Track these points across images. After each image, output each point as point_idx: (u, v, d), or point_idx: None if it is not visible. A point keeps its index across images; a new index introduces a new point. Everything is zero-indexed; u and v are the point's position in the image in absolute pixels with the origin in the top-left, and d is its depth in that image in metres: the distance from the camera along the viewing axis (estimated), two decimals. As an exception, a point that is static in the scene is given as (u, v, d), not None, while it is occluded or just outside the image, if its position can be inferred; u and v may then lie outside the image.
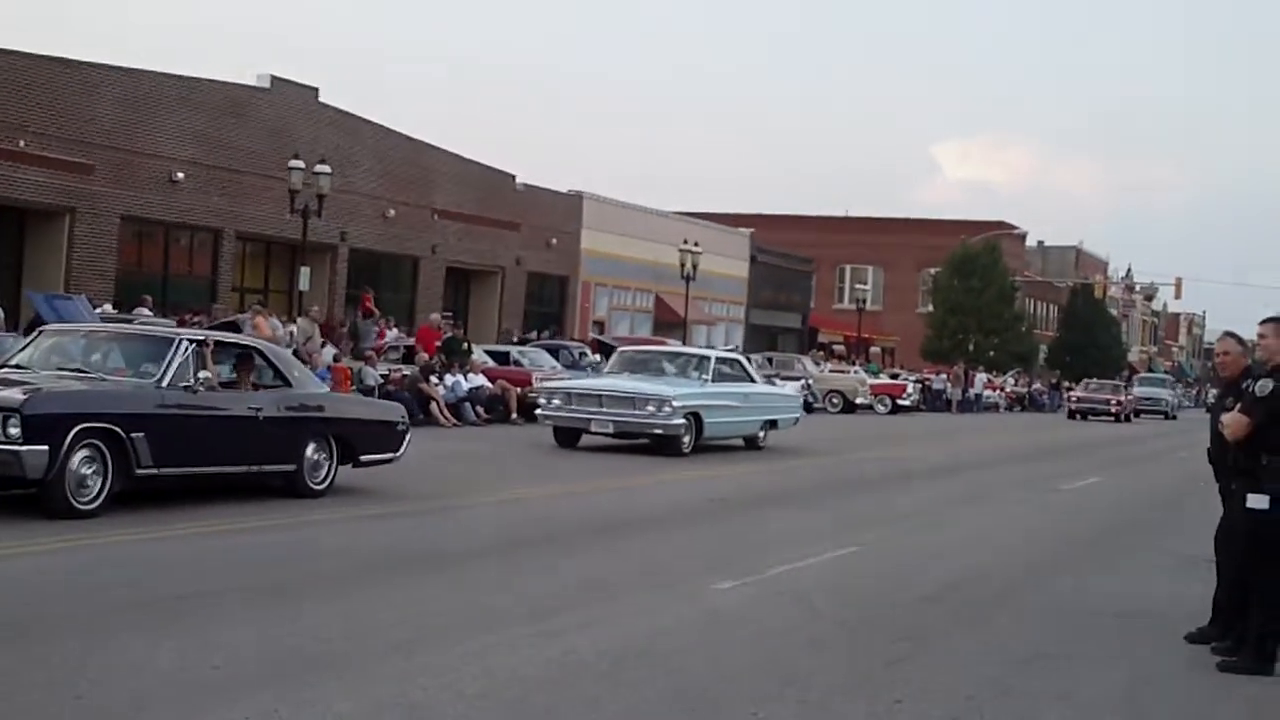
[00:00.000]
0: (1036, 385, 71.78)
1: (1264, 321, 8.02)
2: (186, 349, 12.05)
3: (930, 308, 67.73)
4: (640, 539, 12.34)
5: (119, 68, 30.08)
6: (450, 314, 35.50)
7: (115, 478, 11.08)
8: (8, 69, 27.40)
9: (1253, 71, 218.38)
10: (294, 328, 26.92)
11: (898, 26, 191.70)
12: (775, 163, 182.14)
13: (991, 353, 65.14)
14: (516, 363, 29.99)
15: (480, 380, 27.26)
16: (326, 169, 30.17)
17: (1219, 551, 8.54)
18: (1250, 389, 7.84)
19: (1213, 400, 10.30)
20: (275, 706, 6.03)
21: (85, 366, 12.21)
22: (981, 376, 61.53)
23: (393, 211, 37.34)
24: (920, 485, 19.41)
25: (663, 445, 20.80)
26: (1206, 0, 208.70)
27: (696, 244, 45.78)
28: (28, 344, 12.92)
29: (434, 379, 25.90)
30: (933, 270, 70.00)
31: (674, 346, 30.42)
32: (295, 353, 21.12)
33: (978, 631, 8.80)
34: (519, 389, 27.33)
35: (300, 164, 29.62)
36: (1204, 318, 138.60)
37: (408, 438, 14.53)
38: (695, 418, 21.12)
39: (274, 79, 34.05)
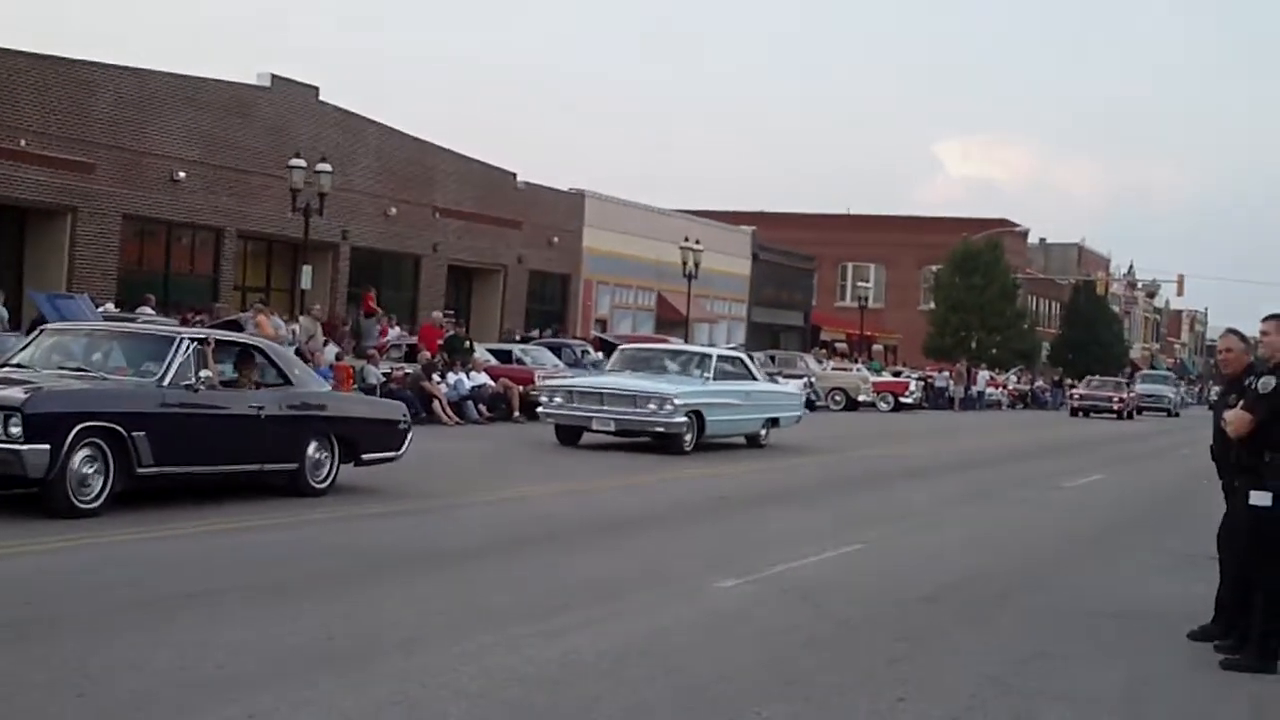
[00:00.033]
0: (1039, 383, 71.86)
1: (1266, 318, 8.01)
2: (188, 348, 12.03)
3: (932, 305, 67.67)
4: (642, 537, 12.33)
5: (120, 67, 30.08)
6: (452, 312, 35.50)
7: (116, 477, 11.06)
8: (9, 69, 27.40)
9: (1253, 71, 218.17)
10: (296, 326, 26.94)
11: (898, 26, 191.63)
12: (777, 161, 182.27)
13: (994, 350, 65.09)
14: (519, 361, 29.97)
15: (483, 379, 27.26)
16: (328, 168, 30.16)
17: (1222, 549, 8.52)
18: (1253, 386, 7.83)
19: (1215, 397, 10.29)
20: (276, 705, 6.02)
21: (86, 365, 12.20)
22: (984, 374, 61.55)
23: (394, 210, 37.34)
24: (923, 483, 19.39)
25: (664, 443, 20.79)
26: (1206, 0, 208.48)
27: (698, 242, 45.75)
28: (29, 343, 12.91)
29: (436, 377, 25.90)
30: (934, 268, 69.94)
31: (676, 344, 30.39)
32: (298, 351, 21.16)
33: (979, 630, 8.79)
34: (521, 387, 27.32)
35: (301, 163, 29.61)
36: (1206, 314, 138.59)
37: (409, 436, 14.52)
38: (697, 416, 21.11)
39: (275, 78, 34.05)
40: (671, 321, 47.52)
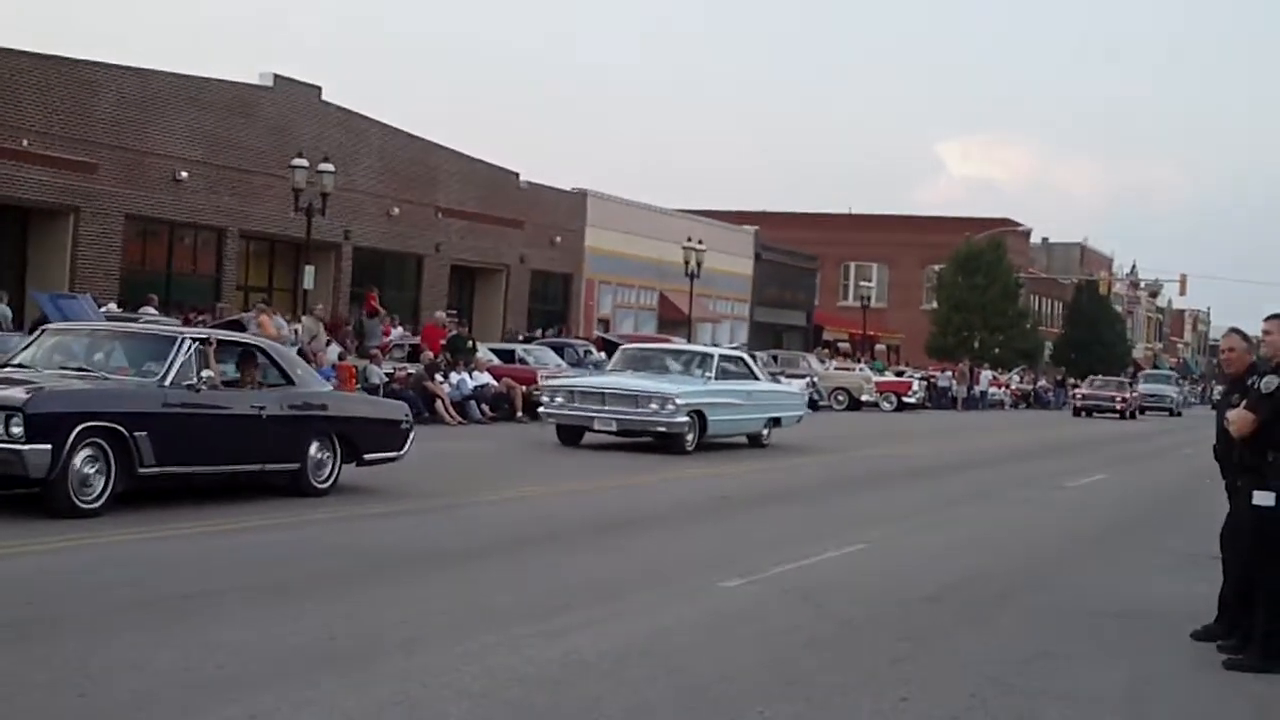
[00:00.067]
0: (1042, 382, 71.84)
1: (1269, 318, 8.00)
2: (189, 348, 12.03)
3: (935, 305, 67.66)
4: (643, 537, 12.31)
5: (122, 67, 30.11)
6: (455, 312, 35.52)
7: (118, 477, 11.06)
8: (11, 69, 27.42)
9: (1253, 71, 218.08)
10: (299, 326, 26.96)
11: (899, 26, 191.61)
12: (779, 161, 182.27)
13: (996, 350, 65.08)
14: (521, 360, 29.97)
15: (485, 378, 27.26)
16: (330, 167, 30.18)
17: (1225, 549, 8.51)
18: (1255, 385, 7.81)
19: (1218, 397, 10.28)
20: (278, 705, 6.02)
21: (88, 365, 12.19)
22: (986, 373, 61.55)
23: (397, 210, 37.35)
24: (925, 483, 19.37)
25: (666, 443, 20.78)
26: (1207, 0, 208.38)
27: (701, 242, 45.75)
28: (30, 343, 12.91)
29: (439, 377, 25.90)
30: (937, 267, 69.92)
31: (677, 344, 30.37)
32: (300, 351, 21.16)
33: (982, 630, 8.78)
34: (524, 387, 27.32)
35: (304, 162, 29.63)
36: (1209, 314, 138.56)
37: (411, 436, 14.51)
38: (698, 415, 21.09)
39: (277, 78, 34.08)
40: (674, 321, 47.52)
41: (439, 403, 25.05)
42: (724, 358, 23.90)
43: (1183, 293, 79.91)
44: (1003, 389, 62.41)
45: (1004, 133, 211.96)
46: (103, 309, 23.62)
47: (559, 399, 21.46)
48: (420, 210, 38.31)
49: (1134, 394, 58.42)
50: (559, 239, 44.33)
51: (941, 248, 68.40)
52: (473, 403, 26.27)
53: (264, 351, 13.64)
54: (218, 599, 8.23)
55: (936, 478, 20.44)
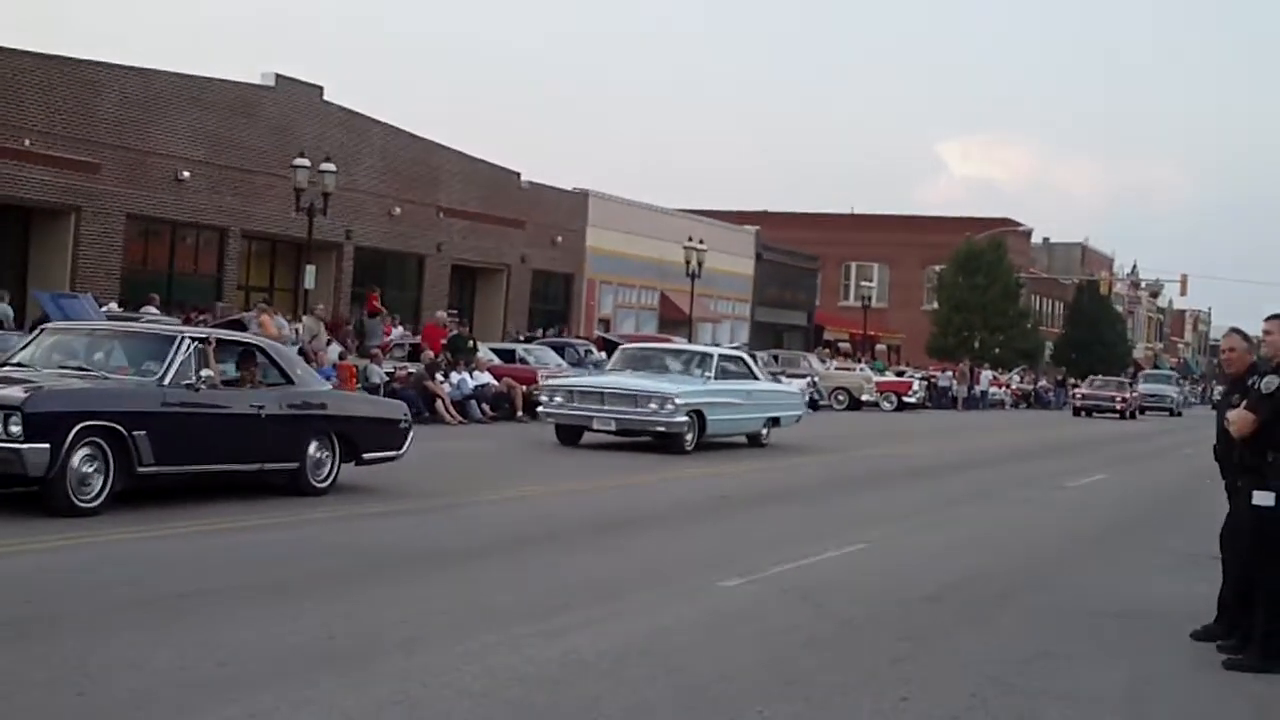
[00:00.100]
0: (1042, 382, 71.83)
1: (1269, 318, 7.99)
2: (189, 347, 12.02)
3: (935, 305, 67.66)
4: (643, 537, 12.31)
5: (123, 67, 30.11)
6: (456, 312, 35.53)
7: (117, 476, 11.05)
8: (13, 69, 27.43)
9: (1253, 71, 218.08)
10: (300, 326, 26.97)
11: (899, 26, 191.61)
12: (780, 161, 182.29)
13: (997, 350, 65.09)
14: (522, 360, 29.97)
15: (486, 378, 27.26)
16: (331, 167, 30.19)
17: (1225, 549, 8.51)
18: (1256, 385, 7.81)
19: (1219, 397, 10.27)
20: (277, 705, 6.01)
21: (87, 365, 12.18)
22: (987, 373, 61.55)
23: (398, 210, 37.35)
24: (925, 482, 19.36)
25: (665, 443, 20.77)
26: (1206, 1, 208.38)
27: (701, 241, 45.75)
28: (29, 342, 12.91)
29: (440, 377, 25.90)
30: (938, 267, 69.93)
31: (677, 344, 30.36)
32: (301, 351, 21.17)
33: (982, 630, 8.78)
34: (524, 387, 27.31)
35: (305, 162, 29.64)
36: (1209, 314, 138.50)
37: (410, 436, 14.51)
38: (698, 415, 21.08)
39: (279, 78, 34.09)
40: (675, 321, 47.51)
41: (439, 402, 25.05)
42: (723, 357, 23.89)
43: (1183, 293, 79.88)
44: (1003, 389, 62.40)
45: (1004, 133, 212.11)
46: (104, 308, 23.63)
47: (558, 399, 21.45)
48: (422, 210, 38.32)
49: (1134, 394, 58.42)
50: (560, 239, 44.34)
51: (942, 248, 68.41)
52: (473, 402, 26.27)
53: (263, 351, 13.63)
54: (216, 598, 8.22)
55: (937, 477, 20.43)
